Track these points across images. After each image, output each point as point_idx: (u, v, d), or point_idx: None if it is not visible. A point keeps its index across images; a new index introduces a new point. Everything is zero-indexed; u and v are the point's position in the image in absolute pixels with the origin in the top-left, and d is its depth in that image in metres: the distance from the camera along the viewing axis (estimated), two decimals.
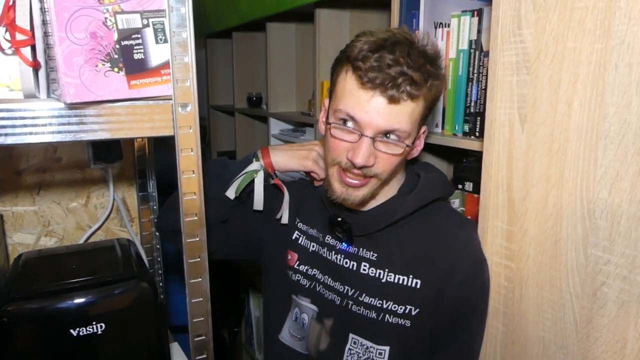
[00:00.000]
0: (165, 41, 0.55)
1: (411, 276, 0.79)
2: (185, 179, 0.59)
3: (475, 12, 0.94)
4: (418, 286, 0.78)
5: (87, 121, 0.54)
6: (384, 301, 0.79)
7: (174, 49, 0.55)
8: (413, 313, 0.78)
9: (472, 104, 0.96)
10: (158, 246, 1.09)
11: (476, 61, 0.94)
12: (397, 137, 0.74)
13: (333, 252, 0.85)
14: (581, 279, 0.66)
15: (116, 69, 0.53)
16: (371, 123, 0.71)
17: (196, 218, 0.60)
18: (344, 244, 0.84)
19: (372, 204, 0.82)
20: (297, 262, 0.90)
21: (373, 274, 0.81)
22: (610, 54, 0.60)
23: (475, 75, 0.95)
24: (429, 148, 1.14)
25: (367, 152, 0.72)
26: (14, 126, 0.51)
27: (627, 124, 0.59)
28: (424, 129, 0.80)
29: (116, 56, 0.53)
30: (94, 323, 0.66)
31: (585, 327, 0.66)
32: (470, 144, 0.93)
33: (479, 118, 0.95)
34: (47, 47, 0.54)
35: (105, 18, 0.52)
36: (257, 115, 2.27)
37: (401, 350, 0.80)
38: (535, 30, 0.68)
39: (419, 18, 1.03)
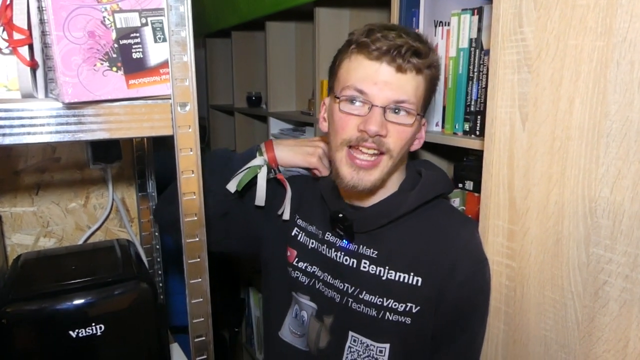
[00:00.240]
0: (164, 40, 0.54)
1: (412, 274, 0.78)
2: (185, 178, 0.58)
3: (476, 11, 0.94)
4: (419, 284, 0.78)
5: (86, 121, 0.53)
6: (385, 299, 0.79)
7: (172, 48, 0.54)
8: (414, 311, 0.78)
9: (473, 102, 0.96)
10: (158, 246, 1.09)
11: (476, 60, 0.94)
12: (405, 111, 0.75)
13: (333, 250, 0.85)
14: (583, 278, 0.66)
15: (115, 68, 0.53)
16: (380, 93, 0.73)
17: (196, 218, 0.60)
18: (344, 241, 0.83)
19: (374, 200, 0.82)
20: (296, 259, 0.89)
21: (373, 272, 0.80)
22: (612, 52, 0.60)
23: (476, 73, 0.95)
24: (429, 147, 1.14)
25: (380, 120, 0.73)
26: (11, 126, 0.50)
27: (629, 122, 0.59)
28: (424, 120, 0.81)
29: (114, 55, 0.52)
30: (93, 324, 0.65)
31: (587, 326, 0.66)
32: (471, 143, 0.92)
33: (479, 117, 0.95)
34: (45, 46, 0.54)
35: (104, 17, 0.51)
36: (257, 115, 2.27)
37: (401, 347, 0.80)
38: (537, 28, 0.68)
39: (419, 16, 1.03)
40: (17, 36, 0.52)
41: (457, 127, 1.00)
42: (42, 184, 0.96)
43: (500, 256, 0.77)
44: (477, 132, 0.95)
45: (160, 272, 1.11)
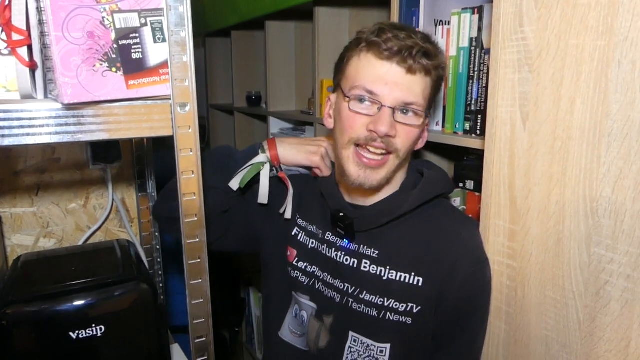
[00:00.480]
0: (164, 40, 0.54)
1: (413, 274, 0.78)
2: (185, 179, 0.58)
3: (476, 10, 0.93)
4: (420, 284, 0.78)
5: (85, 122, 0.53)
6: (385, 299, 0.79)
7: (172, 49, 0.54)
8: (415, 311, 0.78)
9: (473, 102, 0.96)
10: (158, 247, 1.09)
11: (477, 59, 0.94)
12: (414, 112, 0.75)
13: (333, 249, 0.85)
14: (584, 278, 0.66)
15: (114, 69, 0.53)
16: (391, 94, 0.73)
17: (196, 219, 0.59)
18: (344, 240, 0.83)
19: (375, 199, 0.82)
20: (296, 259, 0.89)
21: (374, 272, 0.80)
22: (614, 51, 0.59)
23: (476, 73, 0.94)
24: (429, 146, 1.14)
25: (390, 121, 0.73)
26: (10, 127, 0.50)
27: (631, 122, 0.59)
28: (427, 120, 0.81)
29: (114, 56, 0.52)
30: (93, 325, 0.65)
31: (589, 326, 0.66)
32: (471, 142, 0.92)
33: (479, 116, 0.94)
34: (44, 47, 0.53)
35: (103, 17, 0.51)
36: (257, 114, 2.26)
37: (402, 347, 0.80)
38: (537, 28, 0.68)
39: (419, 16, 1.02)
40: (16, 37, 0.52)
41: (457, 126, 0.99)
42: (42, 184, 0.95)
43: (501, 256, 0.77)
44: (478, 132, 0.95)
45: (160, 272, 1.10)
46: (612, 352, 0.63)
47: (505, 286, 0.77)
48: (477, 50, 0.94)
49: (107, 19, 0.51)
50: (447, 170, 1.15)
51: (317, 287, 0.86)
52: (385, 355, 0.80)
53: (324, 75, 1.50)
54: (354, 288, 0.81)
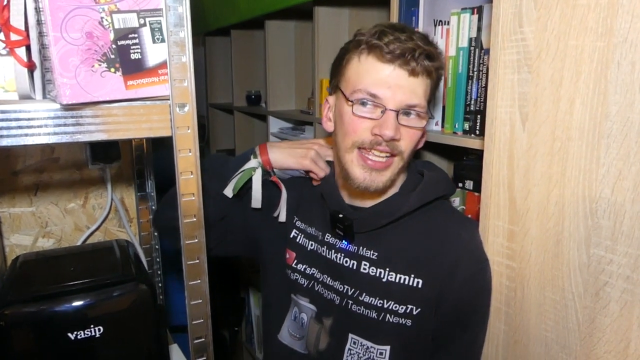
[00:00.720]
0: (163, 41, 0.54)
1: (412, 275, 0.78)
2: (184, 179, 0.58)
3: (475, 10, 0.93)
4: (419, 285, 0.78)
5: (84, 122, 0.53)
6: (385, 301, 0.79)
7: (171, 49, 0.54)
8: (414, 312, 0.78)
9: (472, 102, 0.96)
10: (157, 246, 1.09)
11: (476, 59, 0.94)
12: (416, 114, 0.75)
13: (333, 251, 0.85)
14: (584, 279, 0.66)
15: (113, 69, 0.52)
16: (394, 97, 0.73)
17: (195, 219, 0.59)
18: (344, 242, 0.83)
19: (375, 200, 0.82)
20: (295, 261, 0.89)
21: (373, 273, 0.80)
22: (613, 52, 0.59)
23: (476, 73, 0.94)
24: (429, 146, 1.14)
25: (395, 124, 0.73)
26: (9, 128, 0.50)
27: (630, 123, 0.59)
28: (428, 120, 0.80)
29: (113, 56, 0.52)
30: (92, 326, 0.65)
31: (588, 327, 0.66)
32: (471, 142, 0.92)
33: (479, 116, 0.94)
34: (42, 47, 0.53)
35: (102, 17, 0.51)
36: (256, 114, 2.26)
37: (402, 349, 0.80)
38: (537, 28, 0.68)
39: (419, 15, 1.02)
40: (14, 37, 0.52)
41: (456, 126, 0.99)
42: (41, 184, 0.95)
43: (501, 257, 0.77)
44: (477, 132, 0.95)
45: (159, 272, 1.10)
46: (612, 353, 0.63)
47: (505, 287, 0.77)
48: (477, 50, 0.93)
49: (106, 19, 0.51)
50: (447, 170, 1.15)
51: (316, 289, 0.86)
52: (385, 357, 0.80)
53: (324, 74, 1.50)
54: (353, 290, 0.81)
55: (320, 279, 0.86)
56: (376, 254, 0.81)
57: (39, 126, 0.51)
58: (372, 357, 0.81)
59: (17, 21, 0.51)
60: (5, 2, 0.51)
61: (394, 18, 1.06)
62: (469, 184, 1.03)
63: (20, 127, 0.51)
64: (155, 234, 1.07)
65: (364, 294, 0.80)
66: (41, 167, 0.95)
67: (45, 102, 0.53)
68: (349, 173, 0.77)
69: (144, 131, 0.56)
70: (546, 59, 0.67)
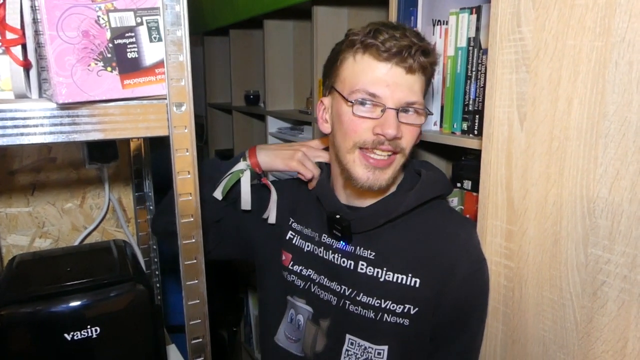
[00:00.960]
0: (160, 40, 0.54)
1: (410, 275, 0.78)
2: (181, 179, 0.58)
3: (474, 10, 0.93)
4: (417, 285, 0.78)
5: (80, 122, 0.53)
6: (382, 300, 0.78)
7: (168, 48, 0.54)
8: (412, 312, 0.78)
9: (471, 102, 0.96)
10: (155, 247, 1.08)
11: (475, 59, 0.94)
12: (415, 111, 0.76)
13: (330, 251, 0.84)
14: (581, 278, 0.66)
15: (109, 68, 0.52)
16: (393, 96, 0.73)
17: (192, 219, 0.59)
18: (341, 242, 0.83)
19: (372, 200, 0.82)
20: (291, 263, 0.89)
21: (371, 273, 0.80)
22: (611, 52, 0.59)
23: (474, 73, 0.94)
24: (427, 146, 1.14)
25: (396, 122, 0.73)
26: (4, 127, 0.50)
27: (628, 122, 0.59)
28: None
29: (109, 55, 0.52)
30: (89, 327, 0.65)
31: (586, 326, 0.66)
32: (469, 142, 0.92)
33: (477, 116, 0.94)
34: (38, 46, 0.53)
35: (98, 16, 0.51)
36: (255, 114, 2.26)
37: (400, 349, 0.79)
38: (535, 28, 0.67)
39: (417, 15, 1.02)
40: (9, 36, 0.51)
41: (455, 126, 0.99)
42: (38, 184, 0.95)
43: (499, 256, 0.77)
44: (476, 132, 0.95)
45: (157, 272, 1.10)
46: (609, 352, 0.63)
47: (503, 286, 0.77)
48: (475, 50, 0.93)
49: (103, 18, 0.51)
50: (445, 170, 1.15)
51: (312, 290, 0.86)
52: (382, 357, 0.80)
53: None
54: (350, 290, 0.81)
55: (317, 280, 0.86)
56: (373, 253, 0.80)
57: (35, 125, 0.51)
58: (369, 358, 0.80)
59: (13, 20, 0.51)
60: (1, 1, 0.51)
61: (393, 18, 1.06)
62: (468, 184, 1.03)
63: (16, 127, 0.50)
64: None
65: (361, 294, 0.80)
66: (38, 166, 0.94)
67: (41, 102, 0.52)
68: (352, 173, 0.77)
69: (140, 131, 0.56)
70: (544, 58, 0.67)
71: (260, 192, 0.92)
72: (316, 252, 0.86)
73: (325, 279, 0.85)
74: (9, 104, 0.50)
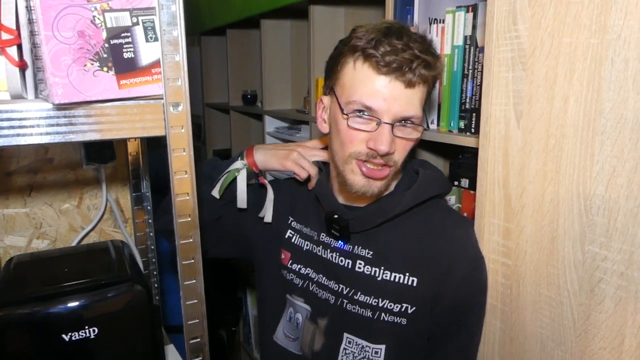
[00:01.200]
0: (156, 39, 0.54)
1: (407, 274, 0.78)
2: (178, 179, 0.58)
3: (470, 8, 0.93)
4: (414, 284, 0.78)
5: (77, 122, 0.52)
6: (380, 299, 0.79)
7: (164, 48, 0.53)
8: (409, 311, 0.78)
9: (468, 100, 0.96)
10: (153, 247, 1.08)
11: (471, 57, 0.94)
12: (412, 123, 0.75)
13: (328, 250, 0.84)
14: (578, 276, 0.66)
15: (105, 69, 0.52)
16: (389, 110, 0.72)
17: (189, 219, 0.59)
18: (339, 241, 0.83)
19: (370, 200, 0.82)
20: (290, 261, 0.89)
21: (368, 272, 0.80)
22: (607, 49, 0.59)
23: (471, 71, 0.94)
24: (424, 145, 1.14)
25: (389, 138, 0.72)
26: (0, 128, 0.50)
27: (624, 120, 0.59)
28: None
29: (105, 55, 0.52)
30: (86, 327, 0.65)
31: (583, 323, 0.66)
32: (466, 140, 0.92)
33: (474, 114, 0.94)
34: (34, 46, 0.53)
35: (94, 16, 0.51)
36: (252, 113, 2.26)
37: (397, 348, 0.80)
38: (531, 26, 0.68)
39: (414, 14, 1.02)
40: (5, 36, 0.51)
41: (452, 124, 0.99)
42: (35, 184, 0.95)
43: (496, 254, 0.77)
44: (472, 130, 0.95)
45: (155, 272, 1.10)
46: (607, 349, 0.64)
47: (500, 284, 0.77)
48: (472, 48, 0.93)
49: (98, 18, 0.51)
50: (442, 169, 1.15)
51: (311, 289, 0.86)
52: (380, 357, 0.80)
53: (320, 73, 1.50)
54: (348, 289, 0.81)
55: (315, 279, 0.86)
56: (371, 252, 0.81)
57: (31, 126, 0.51)
58: (367, 357, 0.81)
59: (8, 20, 0.51)
60: None
61: (389, 16, 1.06)
62: (465, 182, 1.03)
63: (12, 127, 0.50)
64: (151, 234, 1.07)
65: (359, 293, 0.80)
66: (35, 167, 0.94)
67: (37, 102, 0.52)
68: (347, 180, 0.77)
69: (137, 131, 0.56)
70: (540, 56, 0.67)
71: (259, 191, 0.92)
72: (315, 251, 0.87)
73: (324, 278, 0.85)
74: (4, 104, 0.50)
